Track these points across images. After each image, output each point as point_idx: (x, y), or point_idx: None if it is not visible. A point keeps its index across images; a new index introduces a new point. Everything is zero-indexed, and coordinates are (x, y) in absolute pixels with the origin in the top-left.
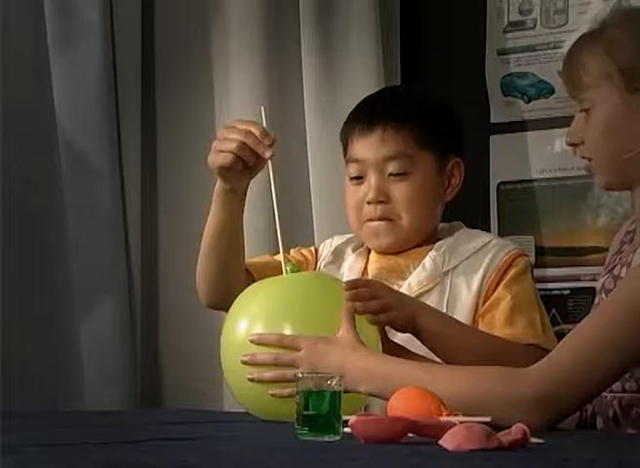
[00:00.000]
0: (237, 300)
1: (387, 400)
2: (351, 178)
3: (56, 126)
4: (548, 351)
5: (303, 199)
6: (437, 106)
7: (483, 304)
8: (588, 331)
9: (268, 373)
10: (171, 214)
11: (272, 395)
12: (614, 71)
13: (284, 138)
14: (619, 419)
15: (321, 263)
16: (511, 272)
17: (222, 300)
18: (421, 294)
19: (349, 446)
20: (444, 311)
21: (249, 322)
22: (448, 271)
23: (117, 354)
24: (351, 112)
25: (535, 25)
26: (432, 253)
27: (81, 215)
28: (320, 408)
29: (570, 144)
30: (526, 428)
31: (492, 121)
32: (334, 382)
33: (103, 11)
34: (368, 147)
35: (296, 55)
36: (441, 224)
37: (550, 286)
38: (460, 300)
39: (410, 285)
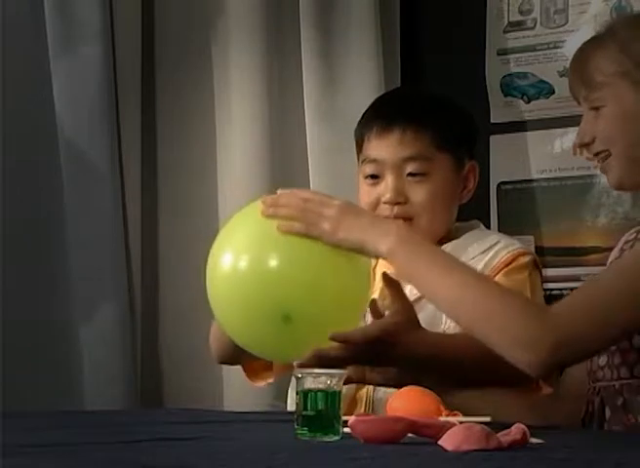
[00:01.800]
0: (222, 231)
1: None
2: (366, 177)
3: (56, 127)
4: None
5: None
6: (456, 110)
7: None
8: (605, 281)
9: (298, 224)
10: (171, 214)
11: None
12: (631, 68)
13: (284, 138)
14: (627, 407)
15: None
16: (509, 267)
17: (235, 361)
18: (421, 298)
19: (349, 446)
20: (442, 318)
21: (233, 254)
22: None
23: (117, 354)
24: (367, 110)
25: (535, 25)
26: None
27: (81, 217)
28: (320, 408)
29: (581, 145)
30: (525, 428)
31: (492, 121)
32: (333, 382)
33: (103, 12)
34: (386, 148)
35: (296, 55)
36: (457, 224)
37: (550, 286)
38: None
39: (411, 289)
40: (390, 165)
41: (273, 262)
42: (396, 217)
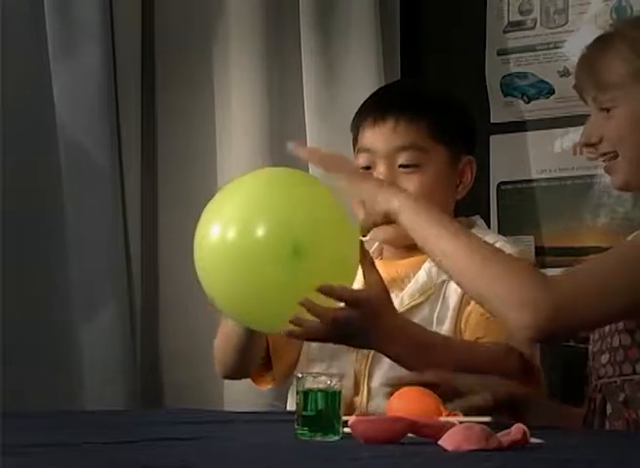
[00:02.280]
0: (210, 202)
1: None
2: (360, 169)
3: (56, 126)
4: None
5: None
6: (452, 103)
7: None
8: (609, 259)
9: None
10: (171, 213)
11: None
12: None
13: (284, 138)
14: (629, 403)
15: None
16: None
17: (239, 376)
18: (413, 307)
19: (349, 446)
20: (434, 323)
21: (222, 225)
22: (443, 281)
23: (117, 354)
24: (364, 102)
25: (535, 25)
26: (427, 265)
27: (81, 216)
28: (320, 408)
29: (586, 145)
30: (525, 428)
31: (492, 121)
32: (334, 382)
33: (103, 13)
34: (379, 137)
35: (296, 54)
36: (458, 219)
37: None
38: (449, 312)
39: (402, 299)
40: (383, 155)
41: (280, 204)
42: None
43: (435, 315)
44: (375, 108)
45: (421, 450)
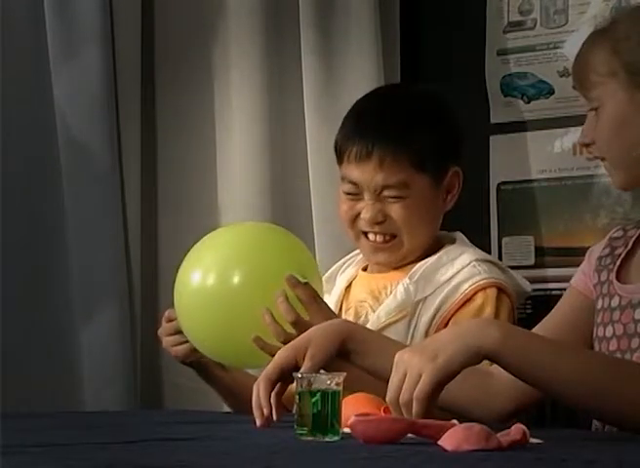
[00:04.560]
0: (191, 251)
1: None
2: (346, 193)
3: (56, 127)
4: None
5: (303, 200)
6: (440, 119)
7: None
8: None
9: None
10: (171, 214)
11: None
12: (619, 68)
13: (284, 139)
14: None
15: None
16: (466, 308)
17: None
18: (389, 325)
19: (349, 446)
20: (408, 341)
21: (202, 271)
22: (420, 301)
23: (117, 354)
24: (346, 122)
25: (534, 25)
26: (405, 281)
27: (81, 217)
28: (319, 408)
29: (583, 145)
30: (525, 428)
31: (491, 121)
32: (333, 382)
33: (104, 13)
34: (364, 173)
35: (295, 55)
36: (440, 233)
37: (550, 286)
38: (419, 333)
39: (379, 316)
40: (368, 189)
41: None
42: (378, 235)
43: (410, 333)
44: (358, 140)
45: (421, 451)
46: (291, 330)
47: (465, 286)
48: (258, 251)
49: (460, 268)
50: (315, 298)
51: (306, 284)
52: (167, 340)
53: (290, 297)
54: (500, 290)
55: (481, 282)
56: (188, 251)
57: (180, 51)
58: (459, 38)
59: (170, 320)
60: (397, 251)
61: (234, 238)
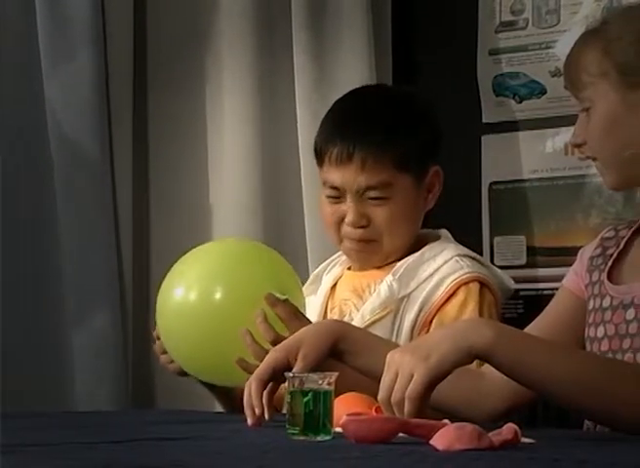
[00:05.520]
0: (173, 268)
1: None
2: (328, 196)
3: (47, 129)
4: None
5: (295, 199)
6: (419, 120)
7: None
8: None
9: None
10: (163, 216)
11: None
12: (610, 69)
13: (275, 139)
14: None
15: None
16: (450, 304)
17: None
18: (373, 323)
19: (341, 445)
20: (393, 338)
21: (184, 288)
22: (404, 297)
23: (109, 354)
24: (326, 123)
25: (526, 25)
26: (389, 278)
27: (73, 220)
28: (311, 407)
29: (574, 145)
30: (517, 428)
31: (483, 121)
32: (325, 382)
33: (96, 15)
34: (346, 176)
35: (287, 56)
36: (423, 231)
37: (542, 286)
38: (404, 330)
39: (363, 314)
40: (350, 191)
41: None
42: (360, 240)
43: (394, 330)
44: (338, 143)
45: (413, 450)
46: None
47: (448, 281)
48: (236, 270)
49: (442, 263)
50: (296, 315)
51: (286, 301)
52: (161, 358)
53: (270, 316)
54: (483, 284)
55: (463, 276)
56: (180, 252)
57: (171, 52)
58: (451, 38)
59: (158, 338)
60: (377, 253)
61: (212, 257)
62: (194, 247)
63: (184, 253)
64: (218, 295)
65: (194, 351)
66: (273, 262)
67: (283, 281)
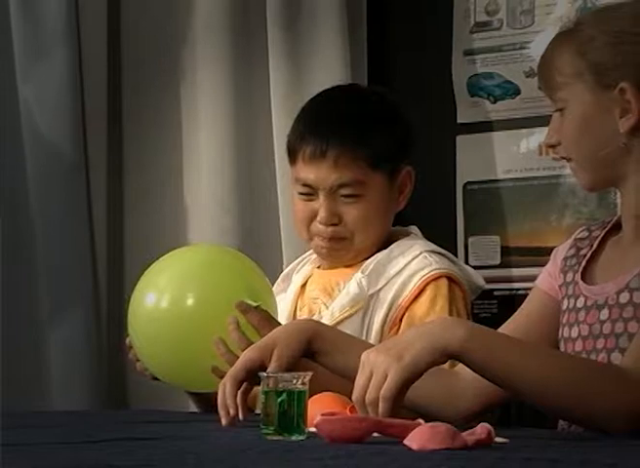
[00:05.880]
0: (145, 274)
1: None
2: (300, 193)
3: (21, 128)
4: None
5: (270, 197)
6: (390, 119)
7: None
8: None
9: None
10: (137, 215)
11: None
12: (584, 69)
13: (251, 138)
14: None
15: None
16: (419, 301)
17: None
18: (343, 320)
19: (315, 445)
20: (364, 335)
21: (157, 293)
22: (373, 294)
23: (83, 354)
24: (298, 122)
25: (501, 26)
26: (358, 275)
27: (47, 217)
28: (285, 407)
29: (548, 146)
30: (491, 428)
31: (458, 121)
32: (299, 382)
33: (69, 16)
34: (319, 173)
35: (263, 56)
36: (393, 229)
37: (516, 286)
38: (375, 327)
39: (333, 312)
40: (323, 188)
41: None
42: (331, 238)
43: (365, 327)
44: (311, 141)
45: (386, 450)
46: None
47: (417, 278)
48: (207, 276)
49: (410, 260)
50: (268, 321)
51: (258, 307)
52: (137, 365)
53: (242, 323)
54: (452, 280)
55: (432, 273)
56: (156, 250)
57: (146, 51)
58: (426, 38)
59: (131, 347)
60: (348, 252)
61: (183, 264)
62: (170, 245)
63: (160, 251)
64: (189, 302)
65: (166, 359)
66: (245, 268)
67: (255, 287)
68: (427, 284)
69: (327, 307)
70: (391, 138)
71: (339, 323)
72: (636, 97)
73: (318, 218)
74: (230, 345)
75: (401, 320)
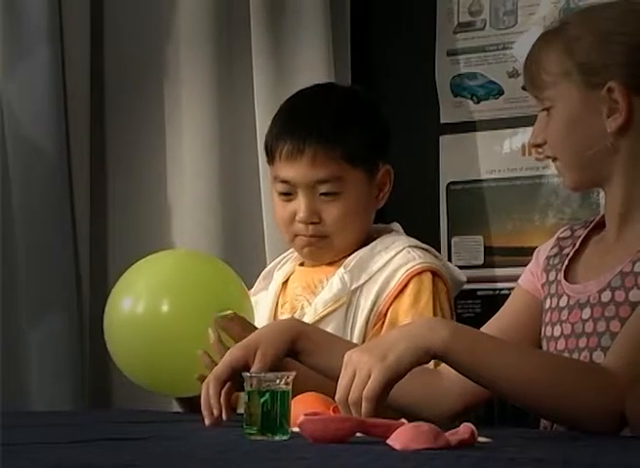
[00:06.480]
0: (121, 278)
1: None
2: (280, 193)
3: (4, 127)
4: None
5: (253, 197)
6: (368, 117)
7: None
8: None
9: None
10: (120, 215)
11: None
12: (572, 68)
13: (234, 138)
14: None
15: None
16: (403, 295)
17: None
18: (326, 316)
19: (297, 445)
20: (348, 331)
21: (132, 299)
22: (356, 289)
23: (65, 353)
24: (276, 121)
25: (484, 26)
26: (340, 271)
27: (29, 217)
28: (269, 407)
29: (534, 145)
30: (473, 427)
31: (441, 121)
32: (282, 382)
33: (52, 14)
34: (297, 170)
35: (246, 56)
36: (375, 226)
37: (499, 285)
38: (359, 322)
39: (316, 308)
40: (302, 186)
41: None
42: (311, 236)
43: (349, 323)
44: (289, 138)
45: (369, 450)
46: None
47: (400, 272)
48: (182, 282)
49: (393, 255)
50: (247, 327)
51: (234, 316)
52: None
53: (222, 337)
54: (435, 274)
55: (416, 267)
56: (139, 251)
57: (129, 50)
58: (409, 38)
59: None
60: (329, 250)
61: (159, 270)
62: (154, 247)
63: (143, 252)
64: (164, 308)
65: (138, 371)
66: (220, 272)
67: (230, 291)
68: (411, 278)
69: (310, 304)
70: (368, 135)
71: (322, 318)
72: (624, 97)
73: (297, 217)
74: (213, 357)
75: (385, 314)
